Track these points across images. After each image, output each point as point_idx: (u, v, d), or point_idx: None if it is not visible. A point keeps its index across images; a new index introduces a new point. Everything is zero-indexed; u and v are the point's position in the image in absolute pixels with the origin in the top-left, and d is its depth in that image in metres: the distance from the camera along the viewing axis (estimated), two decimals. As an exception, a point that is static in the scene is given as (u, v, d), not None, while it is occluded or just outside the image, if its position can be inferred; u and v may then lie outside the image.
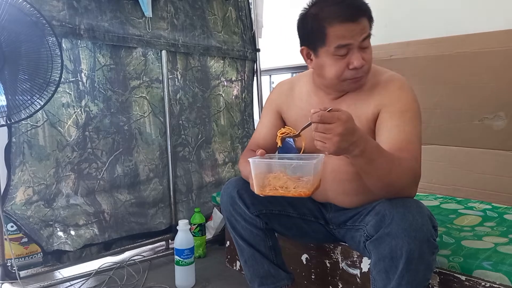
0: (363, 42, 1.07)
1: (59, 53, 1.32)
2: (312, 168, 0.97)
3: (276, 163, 1.03)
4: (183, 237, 1.57)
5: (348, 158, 0.96)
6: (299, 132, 1.06)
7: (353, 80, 1.11)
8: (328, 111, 0.88)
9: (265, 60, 2.46)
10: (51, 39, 1.30)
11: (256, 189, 1.02)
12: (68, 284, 1.62)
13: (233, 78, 2.23)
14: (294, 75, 2.72)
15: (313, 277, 1.46)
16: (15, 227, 1.60)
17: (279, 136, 1.13)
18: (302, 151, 1.13)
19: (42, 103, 1.30)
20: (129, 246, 1.80)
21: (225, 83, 2.20)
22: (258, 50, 2.30)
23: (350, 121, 0.89)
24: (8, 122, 1.27)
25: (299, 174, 1.00)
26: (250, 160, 1.02)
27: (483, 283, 1.06)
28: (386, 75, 1.16)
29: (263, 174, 1.02)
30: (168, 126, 1.89)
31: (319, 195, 1.30)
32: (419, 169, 1.03)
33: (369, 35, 1.09)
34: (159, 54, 1.87)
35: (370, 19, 1.09)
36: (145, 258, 1.84)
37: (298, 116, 1.25)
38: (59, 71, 1.32)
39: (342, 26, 1.05)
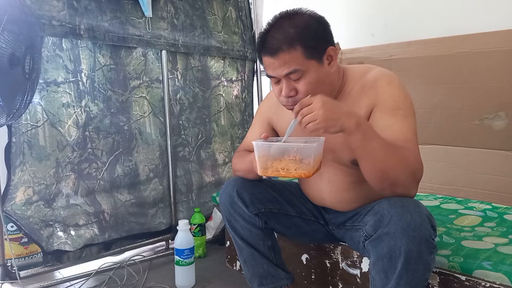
0: (290, 75, 1.05)
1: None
2: (313, 151, 1.00)
3: (278, 146, 1.05)
4: (183, 237, 1.57)
5: (346, 135, 0.97)
6: (284, 140, 1.07)
7: (288, 107, 1.11)
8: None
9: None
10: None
11: (259, 171, 1.04)
12: (68, 284, 1.63)
13: (233, 78, 2.23)
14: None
15: (313, 277, 1.46)
16: (15, 227, 1.60)
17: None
18: None
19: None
20: (129, 246, 1.80)
21: (225, 83, 2.20)
22: (258, 50, 2.30)
23: (326, 96, 0.96)
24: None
25: (299, 156, 1.02)
26: (254, 142, 1.05)
27: (483, 283, 1.06)
28: (371, 73, 1.13)
29: (266, 156, 1.04)
30: (168, 126, 1.89)
31: (317, 202, 1.30)
32: (417, 164, 1.01)
33: (295, 70, 1.04)
34: (159, 54, 1.87)
35: (306, 49, 1.03)
36: (145, 258, 1.84)
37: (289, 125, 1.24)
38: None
39: (265, 58, 1.09)
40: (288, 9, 1.09)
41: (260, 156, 1.05)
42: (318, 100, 0.95)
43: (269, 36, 1.06)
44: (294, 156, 1.02)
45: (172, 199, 1.93)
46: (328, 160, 1.18)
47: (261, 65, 2.34)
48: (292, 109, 1.11)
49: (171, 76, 1.93)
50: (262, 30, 1.10)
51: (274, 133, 1.34)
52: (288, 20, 1.06)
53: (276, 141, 1.12)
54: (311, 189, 1.29)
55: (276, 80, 1.10)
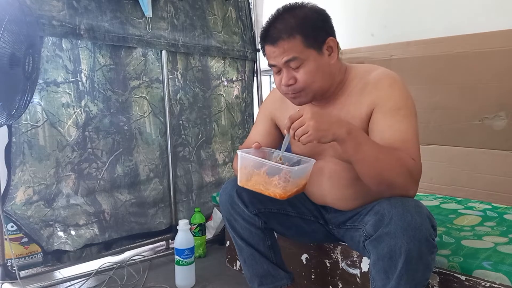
0: (289, 63, 1.08)
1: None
2: (292, 173, 1.00)
3: (261, 162, 1.05)
4: (183, 237, 1.57)
5: (338, 144, 0.98)
6: (280, 155, 1.08)
7: (289, 96, 1.15)
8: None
9: (265, 60, 2.46)
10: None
11: (239, 181, 1.08)
12: (68, 284, 1.62)
13: (234, 78, 2.24)
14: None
15: (313, 277, 1.46)
16: (15, 227, 1.60)
17: None
18: None
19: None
20: (129, 246, 1.80)
21: (226, 83, 2.20)
22: (258, 50, 2.31)
23: (315, 108, 0.97)
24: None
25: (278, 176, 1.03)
26: (238, 152, 1.06)
27: (483, 283, 1.06)
28: (375, 72, 1.13)
29: (248, 168, 1.06)
30: (168, 126, 1.89)
31: (318, 199, 1.30)
32: (415, 164, 1.01)
33: (294, 58, 1.07)
34: (159, 54, 1.87)
35: (305, 38, 1.06)
36: (145, 258, 1.84)
37: None
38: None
39: (266, 48, 1.13)
40: (290, 3, 1.14)
41: (242, 168, 1.06)
42: (307, 111, 0.96)
43: (271, 27, 1.11)
44: (273, 174, 1.03)
45: (172, 199, 1.93)
46: (328, 156, 1.19)
47: (260, 65, 2.35)
48: (292, 99, 1.15)
49: (171, 76, 1.93)
50: (265, 22, 1.14)
51: (277, 129, 1.34)
52: (289, 12, 1.11)
53: (269, 152, 1.13)
54: (312, 186, 1.29)
55: (277, 70, 1.13)
